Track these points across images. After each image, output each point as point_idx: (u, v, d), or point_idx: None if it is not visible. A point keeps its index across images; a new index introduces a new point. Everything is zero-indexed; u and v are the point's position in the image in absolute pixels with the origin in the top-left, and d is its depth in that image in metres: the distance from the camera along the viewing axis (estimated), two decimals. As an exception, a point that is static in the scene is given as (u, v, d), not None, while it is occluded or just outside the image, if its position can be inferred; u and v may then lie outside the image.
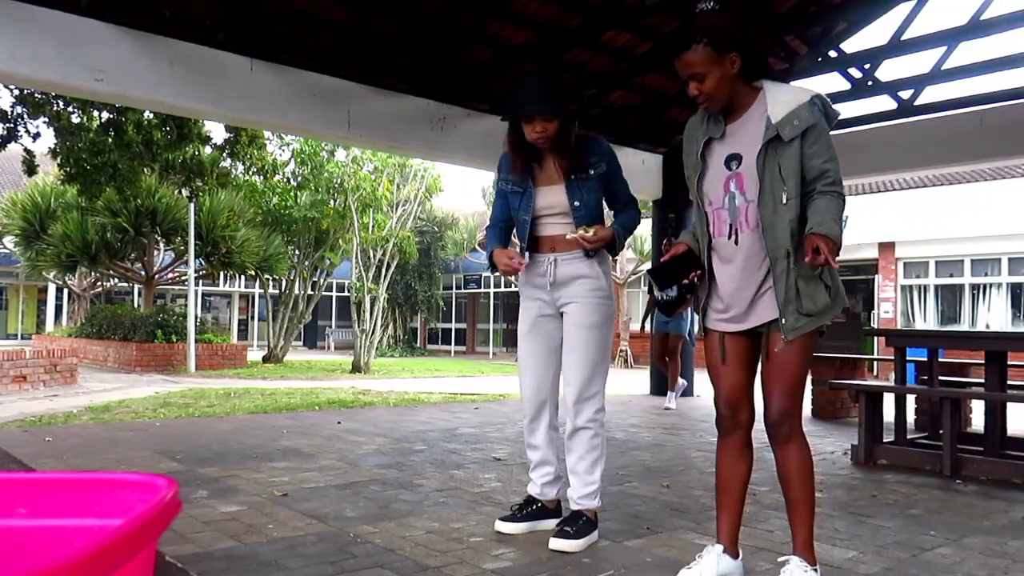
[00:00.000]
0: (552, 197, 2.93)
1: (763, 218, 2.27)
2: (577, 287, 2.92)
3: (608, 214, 3.04)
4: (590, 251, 2.89)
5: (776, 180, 2.24)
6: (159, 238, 16.65)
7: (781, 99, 2.27)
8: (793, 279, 2.26)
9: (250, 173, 13.67)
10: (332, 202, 16.15)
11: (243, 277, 21.39)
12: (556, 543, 2.82)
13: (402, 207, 16.42)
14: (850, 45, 8.04)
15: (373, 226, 15.74)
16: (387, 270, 15.95)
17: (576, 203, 2.88)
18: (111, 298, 23.87)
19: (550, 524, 3.06)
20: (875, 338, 15.53)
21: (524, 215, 2.95)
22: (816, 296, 2.28)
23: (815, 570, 2.33)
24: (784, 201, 2.24)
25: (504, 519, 3.08)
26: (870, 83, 7.75)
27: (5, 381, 9.34)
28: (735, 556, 2.48)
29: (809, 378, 8.42)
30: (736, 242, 2.34)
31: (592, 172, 2.90)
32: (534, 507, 3.12)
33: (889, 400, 5.36)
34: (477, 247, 23.17)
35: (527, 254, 3.01)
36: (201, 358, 14.56)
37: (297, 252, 17.53)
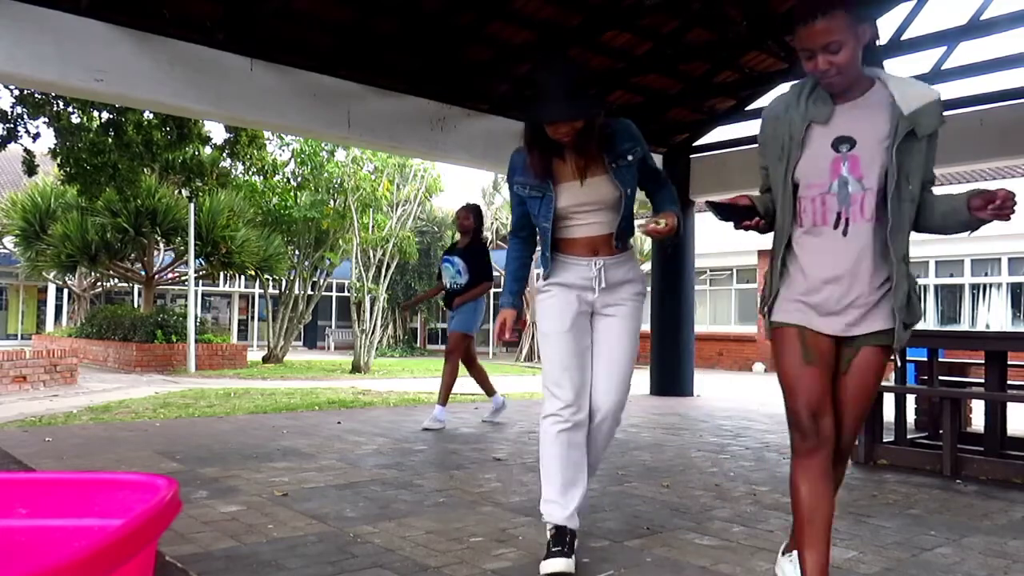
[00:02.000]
0: (586, 192, 2.65)
1: (892, 215, 2.02)
2: (624, 291, 2.73)
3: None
4: (668, 246, 2.77)
5: (903, 176, 2.03)
6: (159, 238, 16.65)
7: (910, 92, 2.05)
8: (908, 286, 2.06)
9: (250, 173, 13.67)
10: (332, 202, 16.15)
11: (243, 277, 21.40)
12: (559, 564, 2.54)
13: (402, 207, 16.42)
14: (850, 45, 8.04)
15: (373, 226, 15.74)
16: (387, 270, 15.95)
17: (628, 191, 2.66)
18: (111, 298, 23.87)
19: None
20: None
21: (545, 221, 2.68)
22: (917, 308, 2.08)
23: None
24: (912, 199, 2.04)
25: (552, 555, 2.56)
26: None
27: (5, 381, 9.34)
28: None
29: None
30: (844, 232, 2.06)
31: (631, 158, 2.68)
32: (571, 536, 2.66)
33: (889, 400, 5.36)
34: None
35: (547, 257, 2.74)
36: (201, 358, 14.56)
37: (297, 252, 17.54)
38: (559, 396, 2.63)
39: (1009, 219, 1.93)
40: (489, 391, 6.73)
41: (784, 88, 2.27)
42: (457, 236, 6.76)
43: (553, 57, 2.85)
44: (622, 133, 2.70)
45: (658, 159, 9.67)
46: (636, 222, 2.67)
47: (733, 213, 2.20)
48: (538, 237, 2.79)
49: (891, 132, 2.03)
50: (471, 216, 6.48)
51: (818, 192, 2.09)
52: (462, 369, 6.44)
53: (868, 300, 2.07)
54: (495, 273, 25.07)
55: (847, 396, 2.12)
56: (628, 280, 2.73)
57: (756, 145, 2.16)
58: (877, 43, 2.11)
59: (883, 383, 5.80)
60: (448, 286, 6.42)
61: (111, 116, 9.10)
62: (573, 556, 2.58)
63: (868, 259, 2.06)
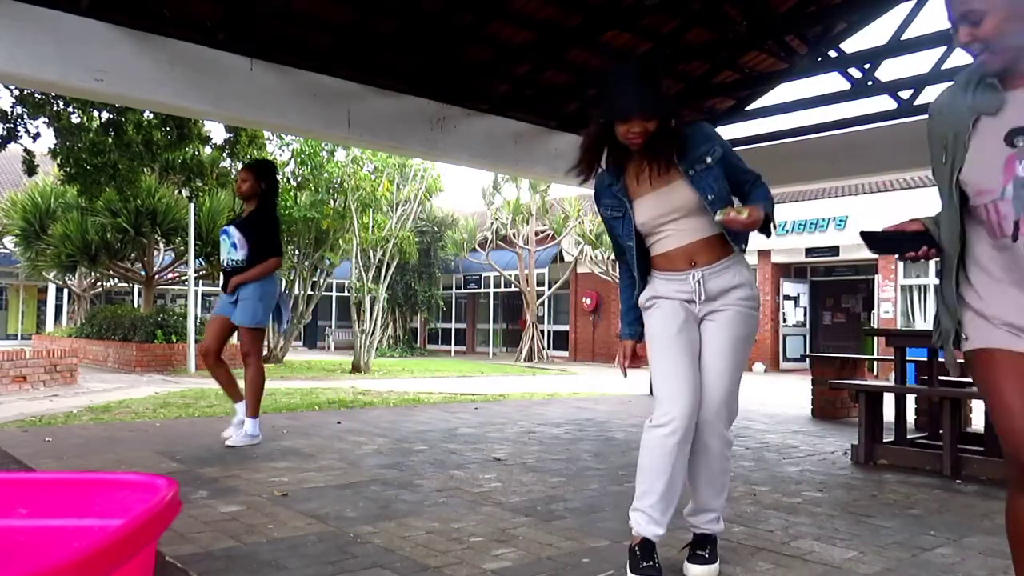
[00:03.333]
0: (666, 201, 2.54)
1: None
2: (729, 296, 2.57)
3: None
4: (742, 245, 2.60)
5: None
6: (159, 238, 16.65)
7: None
8: None
9: (250, 173, 13.67)
10: (332, 202, 16.15)
11: (243, 277, 21.37)
12: (696, 570, 2.58)
13: (402, 207, 16.42)
14: (850, 45, 8.04)
15: (373, 226, 15.74)
16: (387, 270, 15.95)
17: (710, 196, 2.49)
18: (111, 298, 23.87)
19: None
20: (875, 338, 15.53)
21: (628, 240, 2.60)
22: None
23: None
24: None
25: (640, 572, 2.52)
26: (870, 83, 7.75)
27: (5, 381, 9.34)
28: None
29: (809, 378, 8.38)
30: (1015, 238, 1.72)
31: (710, 160, 2.53)
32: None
33: (889, 400, 5.36)
34: (477, 247, 23.18)
35: (637, 277, 2.65)
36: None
37: (297, 252, 17.54)
38: (660, 406, 2.52)
39: None
40: (236, 397, 5.34)
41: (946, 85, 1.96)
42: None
43: (630, 62, 2.69)
44: (696, 136, 2.58)
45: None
46: (729, 210, 2.44)
47: (896, 243, 1.97)
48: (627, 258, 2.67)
49: None
50: (251, 177, 5.26)
51: (993, 198, 1.74)
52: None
53: None
54: (492, 272, 24.79)
55: None
56: (733, 286, 2.56)
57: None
58: None
59: (883, 383, 5.81)
60: (224, 265, 5.33)
61: (111, 116, 9.11)
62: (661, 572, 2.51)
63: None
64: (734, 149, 2.69)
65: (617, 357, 2.74)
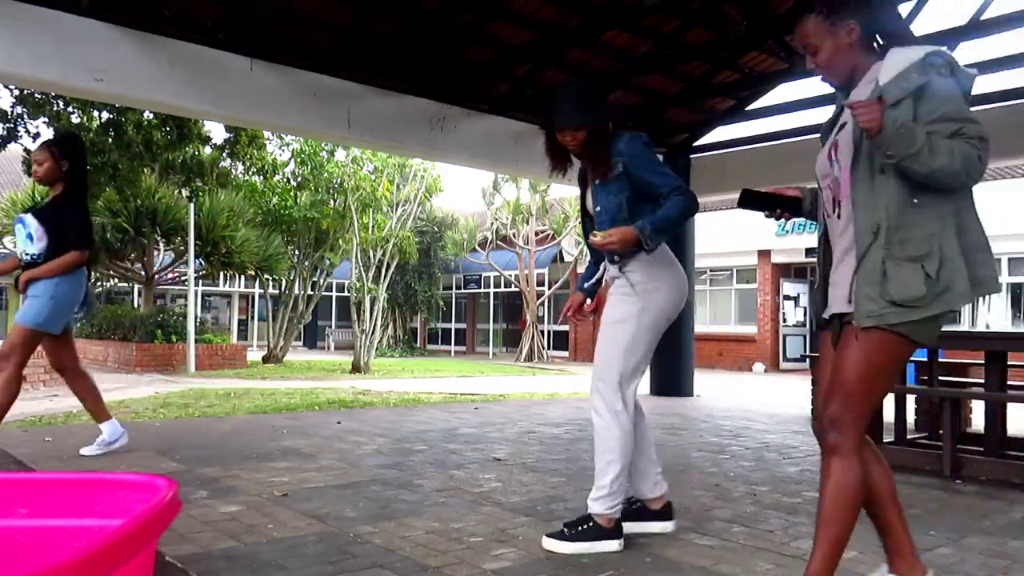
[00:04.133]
0: (591, 202, 2.98)
1: (856, 191, 2.02)
2: (612, 288, 2.95)
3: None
4: (615, 255, 2.87)
5: (864, 149, 2.00)
6: (159, 238, 16.64)
7: (895, 62, 2.01)
8: (879, 259, 1.96)
9: (250, 173, 13.68)
10: (332, 202, 16.15)
11: (243, 277, 21.40)
12: (546, 541, 2.83)
13: (402, 207, 16.42)
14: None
15: (373, 226, 15.74)
16: (387, 270, 15.95)
17: (598, 208, 2.90)
18: (111, 298, 23.87)
19: (655, 526, 3.01)
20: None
21: (585, 223, 3.09)
22: (909, 282, 1.93)
23: None
24: (883, 171, 1.97)
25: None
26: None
27: (5, 381, 9.32)
28: None
29: (809, 378, 8.35)
30: (839, 216, 2.10)
31: (610, 175, 2.84)
32: (634, 506, 3.01)
33: (889, 400, 5.36)
34: (477, 247, 23.18)
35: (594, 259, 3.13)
36: (201, 358, 14.56)
37: (297, 252, 17.53)
38: None
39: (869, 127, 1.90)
40: (101, 416, 4.65)
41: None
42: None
43: (575, 80, 3.17)
44: (614, 147, 2.86)
45: (658, 159, 9.66)
46: (592, 234, 2.81)
47: (767, 203, 2.29)
48: None
49: None
50: (48, 158, 4.35)
51: (827, 182, 2.15)
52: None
53: (842, 275, 2.09)
54: (492, 272, 24.72)
55: (831, 376, 2.08)
56: (617, 276, 2.92)
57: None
58: (888, 30, 2.11)
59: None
60: (20, 258, 4.45)
61: (111, 116, 9.12)
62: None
63: (849, 240, 2.07)
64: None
65: (564, 306, 3.09)
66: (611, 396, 2.84)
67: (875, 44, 2.10)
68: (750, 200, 2.30)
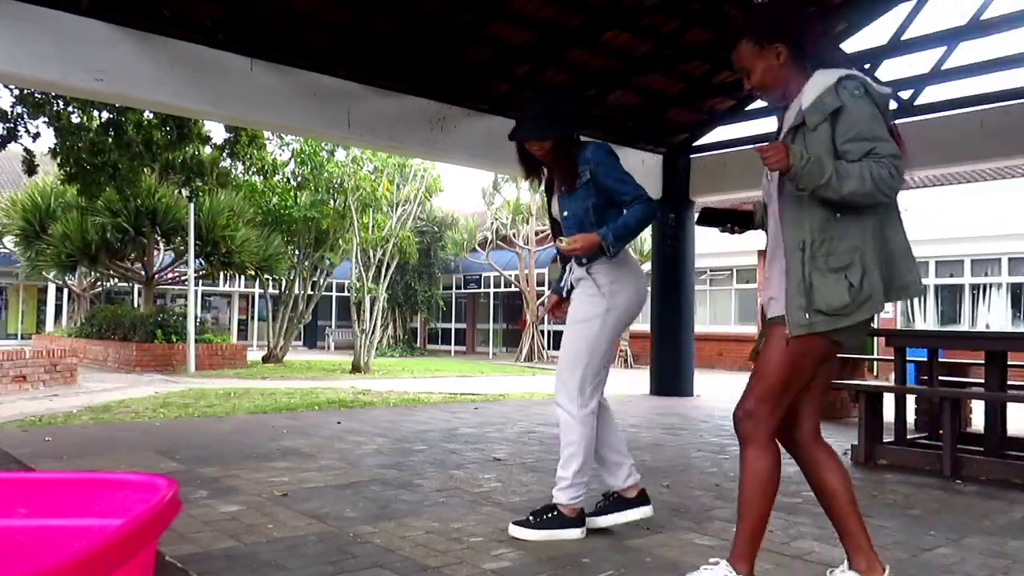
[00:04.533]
0: (558, 209, 3.17)
1: (783, 209, 2.21)
2: (576, 290, 3.11)
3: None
4: (581, 259, 3.04)
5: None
6: (159, 238, 16.63)
7: (816, 84, 2.18)
8: (807, 271, 2.11)
9: (250, 173, 13.66)
10: (332, 202, 16.14)
11: (243, 277, 21.39)
12: (512, 528, 2.96)
13: (402, 207, 16.41)
14: (850, 45, 8.04)
15: (373, 226, 15.73)
16: (387, 270, 15.95)
17: (565, 213, 3.09)
18: (111, 298, 23.86)
19: (634, 514, 3.11)
20: (875, 338, 15.52)
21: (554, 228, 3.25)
22: (833, 292, 2.09)
23: None
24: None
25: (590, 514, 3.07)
26: (870, 83, 7.75)
27: (5, 381, 9.34)
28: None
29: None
30: (768, 229, 2.36)
31: (577, 184, 3.04)
32: (612, 499, 3.13)
33: (889, 400, 5.36)
34: (477, 247, 23.17)
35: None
36: (201, 358, 14.56)
37: (297, 252, 17.52)
38: None
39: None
40: None
41: None
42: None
43: (538, 96, 3.39)
44: (580, 156, 3.04)
45: (658, 159, 9.67)
46: (558, 241, 3.03)
47: (721, 219, 2.47)
48: None
49: (790, 127, 2.21)
50: None
51: (772, 201, 2.32)
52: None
53: (776, 284, 2.25)
54: (492, 272, 24.66)
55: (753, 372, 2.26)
56: (581, 278, 3.08)
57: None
58: (812, 49, 2.28)
59: (883, 383, 5.81)
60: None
61: (111, 116, 9.10)
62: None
63: (778, 252, 2.25)
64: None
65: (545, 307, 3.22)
66: (575, 392, 2.97)
67: (805, 64, 2.25)
68: (709, 218, 2.50)
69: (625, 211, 2.99)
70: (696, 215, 2.47)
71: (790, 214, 2.18)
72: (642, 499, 3.12)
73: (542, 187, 3.33)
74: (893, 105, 2.26)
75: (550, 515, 2.96)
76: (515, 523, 2.99)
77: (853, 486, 2.30)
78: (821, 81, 2.18)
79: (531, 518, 2.97)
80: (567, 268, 3.20)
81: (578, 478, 2.96)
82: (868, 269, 2.10)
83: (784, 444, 2.30)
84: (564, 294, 3.23)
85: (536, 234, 21.91)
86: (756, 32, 2.26)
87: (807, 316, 2.10)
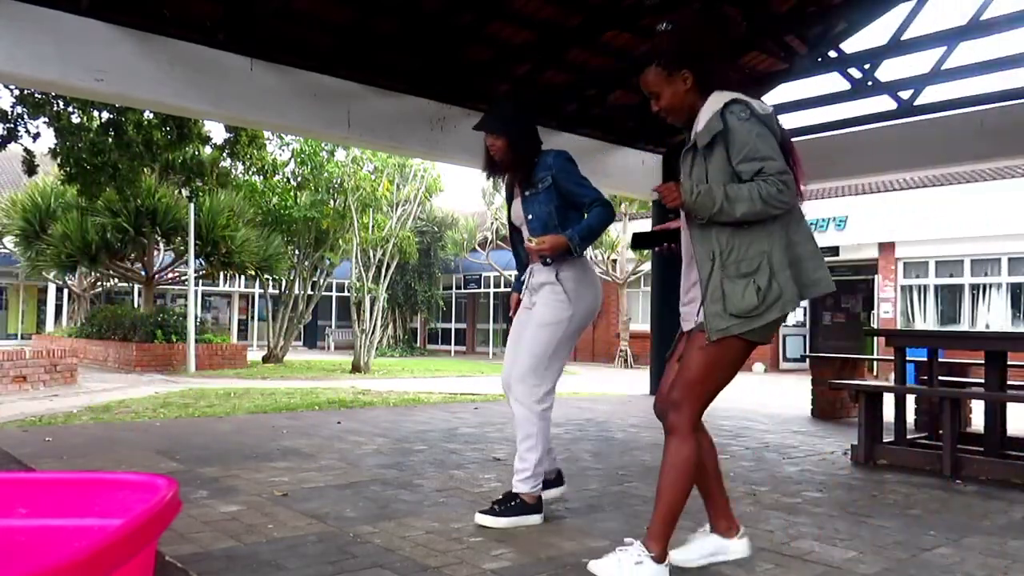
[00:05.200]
0: (515, 210, 3.33)
1: (691, 226, 2.37)
2: (542, 292, 3.22)
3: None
4: (547, 259, 3.15)
5: (698, 183, 2.33)
6: (159, 238, 16.64)
7: (707, 108, 2.34)
8: (719, 280, 2.29)
9: (250, 173, 13.67)
10: (332, 202, 16.15)
11: (243, 277, 21.40)
12: (478, 516, 3.12)
13: (402, 207, 16.41)
14: (850, 45, 8.05)
15: (373, 226, 15.73)
16: (387, 270, 15.95)
17: (530, 216, 3.22)
18: (111, 298, 23.86)
19: (553, 492, 3.38)
20: (875, 338, 15.53)
21: (509, 228, 3.41)
22: (743, 296, 2.27)
23: (652, 559, 2.36)
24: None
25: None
26: (870, 83, 7.75)
27: (5, 381, 9.34)
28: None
29: (809, 378, 8.36)
30: (683, 246, 2.53)
31: (540, 187, 3.19)
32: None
33: (889, 400, 5.36)
34: (477, 247, 23.17)
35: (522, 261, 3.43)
36: (201, 358, 14.56)
37: (297, 252, 17.53)
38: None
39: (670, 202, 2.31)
40: None
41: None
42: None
43: (505, 100, 3.67)
44: (541, 163, 3.20)
45: (657, 159, 9.67)
46: (528, 241, 3.17)
47: (654, 240, 2.63)
48: None
49: (689, 152, 2.40)
50: None
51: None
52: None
53: (687, 299, 2.47)
54: (492, 272, 24.63)
55: (677, 371, 2.46)
56: (546, 283, 3.20)
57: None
58: (715, 75, 2.40)
59: (883, 383, 5.81)
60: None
61: (111, 116, 9.10)
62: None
63: (691, 264, 2.44)
64: None
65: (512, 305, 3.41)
66: (534, 389, 3.16)
67: (711, 88, 2.37)
68: (642, 241, 2.66)
69: (586, 214, 3.16)
70: (629, 242, 2.66)
71: (697, 231, 2.34)
72: (558, 480, 3.44)
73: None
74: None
75: (514, 503, 3.15)
76: (481, 512, 3.15)
77: (719, 461, 2.68)
78: (711, 105, 2.34)
79: (496, 507, 3.14)
80: (528, 271, 3.32)
81: (538, 468, 3.18)
82: (776, 271, 2.27)
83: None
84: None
85: (536, 234, 21.88)
86: (663, 57, 2.38)
87: (724, 322, 2.27)
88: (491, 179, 3.44)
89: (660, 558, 2.37)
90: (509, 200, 3.38)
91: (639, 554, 2.35)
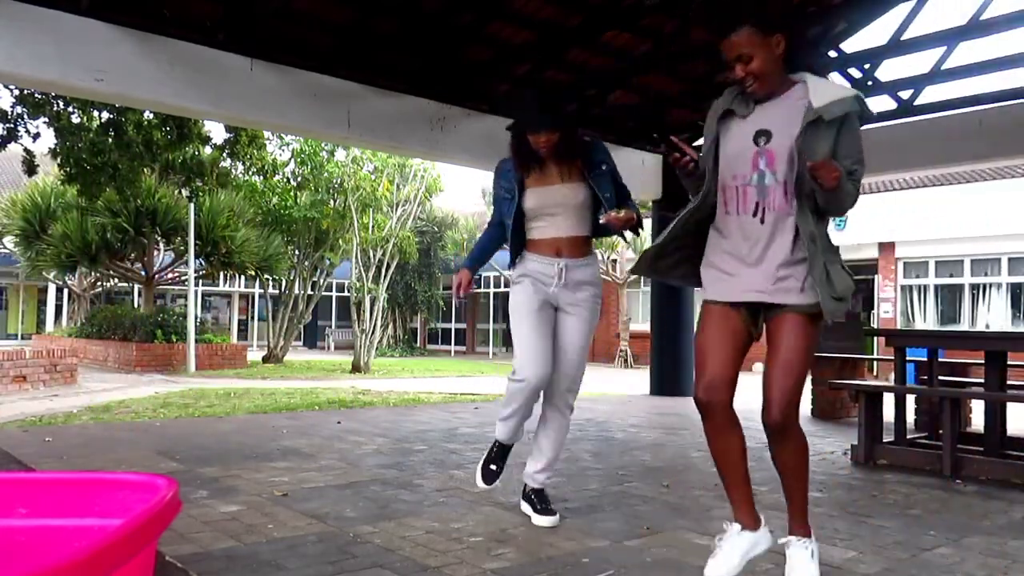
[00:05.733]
0: (553, 194, 3.12)
1: (794, 204, 2.31)
2: (583, 293, 3.17)
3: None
4: (634, 229, 3.08)
5: (804, 164, 2.24)
6: (159, 238, 16.63)
7: (825, 89, 2.30)
8: (822, 263, 2.29)
9: (250, 173, 13.67)
10: (332, 202, 16.14)
11: (243, 277, 21.40)
12: (541, 519, 3.19)
13: (402, 207, 16.41)
14: (850, 45, 8.04)
15: (373, 226, 15.73)
16: (387, 270, 15.95)
17: (607, 195, 3.11)
18: (111, 298, 23.86)
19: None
20: (875, 338, 15.53)
21: (508, 219, 3.20)
22: (844, 279, 2.30)
23: (814, 540, 2.47)
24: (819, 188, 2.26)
25: (488, 461, 3.44)
26: (870, 83, 7.75)
27: (5, 381, 9.33)
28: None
29: (809, 378, 8.41)
30: (763, 220, 2.34)
31: (604, 168, 3.15)
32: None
33: (889, 400, 5.36)
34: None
35: (522, 254, 3.22)
36: (201, 358, 14.56)
37: (297, 252, 17.53)
38: (519, 366, 3.15)
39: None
40: None
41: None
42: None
43: (533, 86, 3.52)
44: (596, 147, 3.19)
45: (658, 159, 9.67)
46: (612, 211, 3.00)
47: (677, 150, 2.47)
48: (508, 234, 3.24)
49: (801, 125, 2.28)
50: None
51: (742, 183, 2.36)
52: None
53: (781, 278, 2.33)
54: (492, 272, 24.64)
55: (777, 366, 2.39)
56: (587, 283, 3.18)
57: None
58: (801, 50, 2.41)
59: (883, 383, 5.81)
60: None
61: (111, 116, 9.10)
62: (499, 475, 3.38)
63: (782, 242, 2.32)
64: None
65: (454, 284, 3.24)
66: (576, 395, 3.30)
67: (792, 61, 2.35)
68: (672, 144, 2.48)
69: (628, 202, 3.18)
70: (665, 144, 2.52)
71: (799, 210, 2.30)
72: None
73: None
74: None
75: (550, 496, 3.36)
76: (538, 514, 3.22)
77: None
78: (833, 88, 2.31)
79: (551, 506, 3.26)
80: (557, 265, 3.12)
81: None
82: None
83: (724, 411, 2.52)
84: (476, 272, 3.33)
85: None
86: (762, 18, 2.26)
87: (835, 305, 2.28)
88: (528, 172, 3.19)
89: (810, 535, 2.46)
90: (521, 188, 3.17)
91: (807, 545, 2.43)
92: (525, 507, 3.33)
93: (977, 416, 6.29)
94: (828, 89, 2.31)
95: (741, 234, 2.38)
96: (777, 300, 2.34)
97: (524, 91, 3.27)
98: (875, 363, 13.03)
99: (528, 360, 3.12)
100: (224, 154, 10.26)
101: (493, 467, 3.39)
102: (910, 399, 5.73)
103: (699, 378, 2.48)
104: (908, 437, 5.21)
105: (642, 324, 18.24)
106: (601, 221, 3.04)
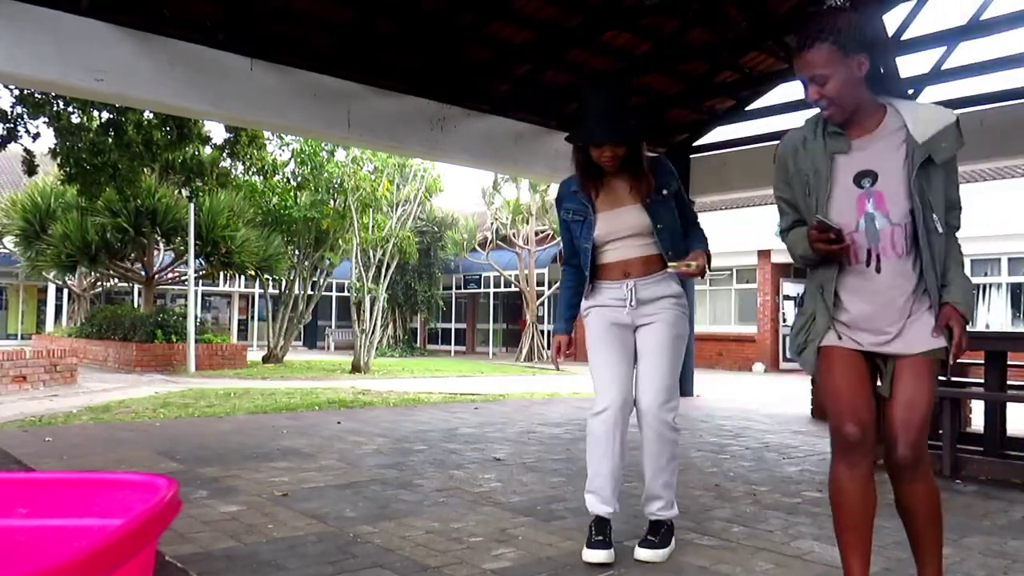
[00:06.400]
0: (620, 220, 2.82)
1: (924, 248, 2.04)
2: (661, 303, 2.84)
3: None
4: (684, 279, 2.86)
5: (927, 205, 2.02)
6: (159, 238, 16.63)
7: (923, 117, 2.04)
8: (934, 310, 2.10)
9: (250, 173, 13.67)
10: (332, 202, 16.14)
11: (243, 277, 21.39)
12: (643, 553, 2.75)
13: (402, 207, 16.41)
14: (850, 45, 8.03)
15: (373, 226, 15.73)
16: (387, 270, 15.95)
17: (659, 225, 2.78)
18: (111, 298, 23.85)
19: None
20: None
21: (585, 243, 2.86)
22: (965, 287, 2.10)
23: None
24: (939, 230, 2.03)
25: (593, 546, 2.73)
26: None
27: (5, 381, 9.33)
28: None
29: (809, 378, 8.36)
30: (878, 269, 2.07)
31: (666, 192, 2.82)
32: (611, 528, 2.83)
33: (889, 400, 5.36)
34: (477, 247, 23.16)
35: (592, 284, 2.92)
36: (201, 358, 14.56)
37: (297, 252, 17.52)
38: (597, 396, 2.81)
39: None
40: None
41: (791, 120, 2.37)
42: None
43: (602, 82, 2.95)
44: (661, 168, 2.84)
45: (658, 159, 9.67)
46: (682, 264, 2.71)
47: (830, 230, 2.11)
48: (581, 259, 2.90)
49: (908, 163, 2.02)
50: None
51: (848, 231, 2.06)
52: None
53: (909, 323, 2.07)
54: (492, 272, 24.65)
55: (902, 410, 2.07)
56: (665, 296, 2.85)
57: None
58: (890, 73, 2.12)
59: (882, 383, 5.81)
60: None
61: (111, 116, 9.10)
62: (612, 547, 2.74)
63: (904, 293, 2.06)
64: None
65: (551, 351, 2.90)
66: (674, 407, 2.85)
67: (876, 84, 2.07)
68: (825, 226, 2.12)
69: (697, 232, 2.91)
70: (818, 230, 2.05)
71: (928, 256, 2.05)
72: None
73: (575, 194, 2.91)
74: None
75: (665, 529, 2.84)
76: (642, 547, 2.77)
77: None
78: (932, 115, 2.05)
79: (655, 539, 2.79)
80: (627, 286, 2.83)
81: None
82: None
83: (870, 454, 2.13)
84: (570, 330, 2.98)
85: (536, 234, 21.90)
86: (843, 35, 2.00)
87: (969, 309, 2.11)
88: (589, 192, 2.85)
89: None
90: (593, 207, 2.84)
91: None
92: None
93: (977, 416, 6.29)
94: (926, 116, 2.04)
95: (856, 288, 2.12)
96: (905, 350, 2.09)
97: (592, 94, 2.79)
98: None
99: (604, 385, 2.79)
100: (224, 154, 10.27)
101: (600, 538, 2.76)
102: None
103: (843, 414, 2.11)
104: (908, 437, 5.20)
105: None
106: (670, 269, 2.74)
